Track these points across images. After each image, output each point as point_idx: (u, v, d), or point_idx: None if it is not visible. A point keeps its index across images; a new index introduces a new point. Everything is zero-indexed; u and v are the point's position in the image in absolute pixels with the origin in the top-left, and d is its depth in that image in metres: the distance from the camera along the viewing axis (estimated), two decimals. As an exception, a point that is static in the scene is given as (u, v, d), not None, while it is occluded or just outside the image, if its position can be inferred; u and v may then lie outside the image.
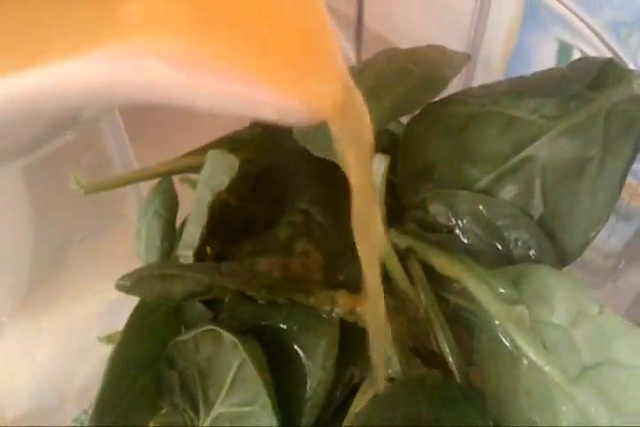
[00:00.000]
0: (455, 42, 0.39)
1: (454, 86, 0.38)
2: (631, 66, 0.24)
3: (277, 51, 0.12)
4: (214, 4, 0.11)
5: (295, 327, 0.23)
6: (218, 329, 0.23)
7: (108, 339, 0.34)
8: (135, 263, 0.39)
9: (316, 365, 0.22)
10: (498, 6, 0.37)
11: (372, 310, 0.21)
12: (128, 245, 0.47)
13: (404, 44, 0.47)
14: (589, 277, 0.41)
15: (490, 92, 0.26)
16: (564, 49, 0.39)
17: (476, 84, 0.41)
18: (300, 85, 0.13)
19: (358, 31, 0.48)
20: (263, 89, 0.12)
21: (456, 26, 0.39)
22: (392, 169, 0.29)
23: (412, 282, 0.26)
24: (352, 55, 0.49)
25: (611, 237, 0.41)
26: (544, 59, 0.40)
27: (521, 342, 0.22)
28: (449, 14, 0.40)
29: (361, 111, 0.15)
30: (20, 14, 0.10)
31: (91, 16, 0.10)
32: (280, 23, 0.12)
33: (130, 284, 0.22)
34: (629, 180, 0.36)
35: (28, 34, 0.10)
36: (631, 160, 0.24)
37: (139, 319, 0.27)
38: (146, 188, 0.33)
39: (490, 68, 0.40)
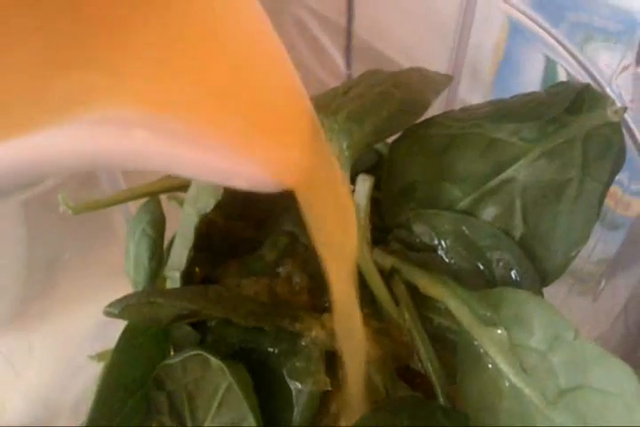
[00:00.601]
0: (444, 53, 0.39)
1: (443, 98, 0.38)
2: (607, 90, 0.25)
3: (249, 124, 0.12)
4: (188, 77, 0.11)
5: (282, 352, 0.23)
6: (204, 354, 0.23)
7: (99, 357, 0.34)
8: (126, 280, 0.40)
9: (303, 390, 0.22)
10: (483, 19, 0.37)
11: (347, 333, 0.22)
12: (118, 261, 0.47)
13: (393, 54, 0.47)
14: (580, 284, 0.42)
15: (470, 115, 0.26)
16: (550, 64, 0.40)
17: (465, 95, 0.41)
18: (270, 158, 0.13)
19: (348, 40, 0.48)
20: (233, 161, 0.12)
21: (444, 37, 0.39)
22: (378, 187, 0.29)
23: (397, 302, 0.27)
24: (341, 63, 0.49)
25: (598, 245, 0.42)
26: (532, 72, 0.40)
27: (501, 364, 0.22)
28: (438, 25, 0.41)
29: (333, 179, 0.16)
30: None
31: (71, 85, 0.10)
32: (252, 96, 0.12)
33: (117, 311, 0.22)
34: (615, 188, 0.36)
35: (13, 102, 0.10)
36: (608, 183, 0.24)
37: (128, 341, 0.27)
38: (134, 205, 0.34)
39: (478, 79, 0.41)
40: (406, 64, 0.46)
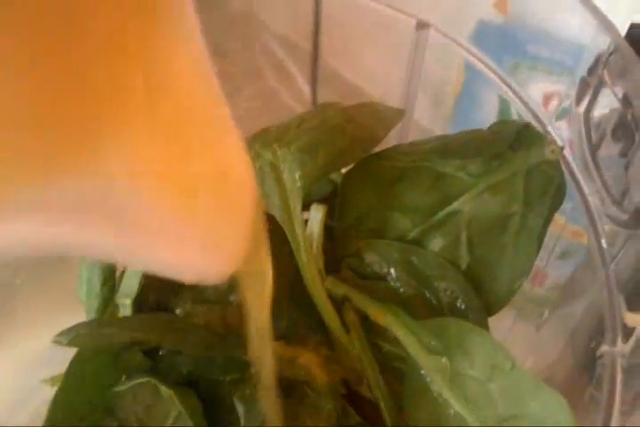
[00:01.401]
0: (404, 83, 0.40)
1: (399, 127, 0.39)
2: (550, 128, 0.26)
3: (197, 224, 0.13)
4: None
5: (233, 380, 0.24)
6: (154, 381, 0.24)
7: (52, 381, 0.34)
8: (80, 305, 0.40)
9: (253, 418, 0.23)
10: (440, 54, 0.38)
11: (259, 360, 0.22)
12: (72, 287, 0.47)
13: (359, 81, 0.48)
14: (536, 307, 0.43)
15: (419, 149, 0.27)
16: (503, 101, 0.41)
17: (427, 123, 0.42)
18: (217, 254, 0.14)
19: (314, 67, 0.49)
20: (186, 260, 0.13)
21: (403, 68, 0.40)
22: (332, 217, 0.30)
23: (347, 330, 0.27)
24: (307, 90, 0.50)
25: (550, 272, 0.43)
26: (489, 107, 0.42)
27: (445, 392, 0.23)
28: (398, 55, 0.42)
29: (265, 270, 0.17)
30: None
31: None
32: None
33: (66, 341, 0.22)
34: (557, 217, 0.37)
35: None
36: (549, 218, 0.25)
37: (78, 367, 0.27)
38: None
39: (439, 110, 0.42)
40: (372, 91, 0.47)
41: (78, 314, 0.48)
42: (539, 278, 0.48)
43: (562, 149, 0.23)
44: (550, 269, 0.46)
